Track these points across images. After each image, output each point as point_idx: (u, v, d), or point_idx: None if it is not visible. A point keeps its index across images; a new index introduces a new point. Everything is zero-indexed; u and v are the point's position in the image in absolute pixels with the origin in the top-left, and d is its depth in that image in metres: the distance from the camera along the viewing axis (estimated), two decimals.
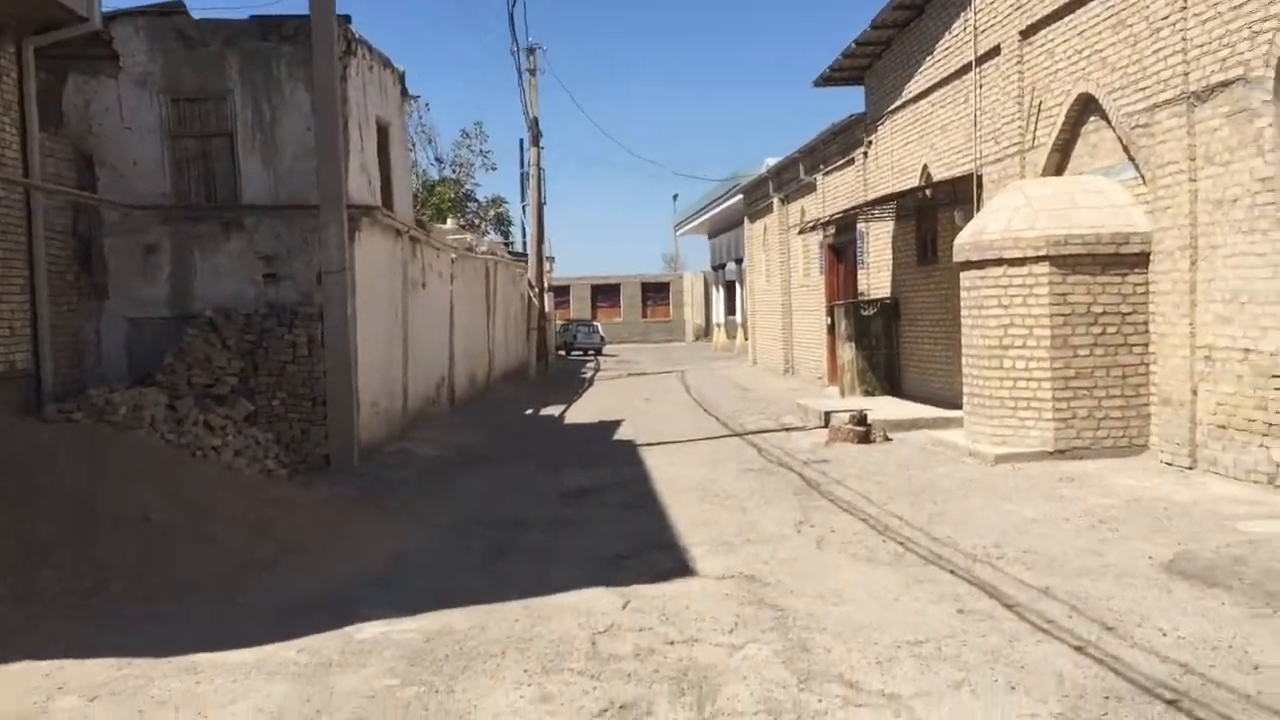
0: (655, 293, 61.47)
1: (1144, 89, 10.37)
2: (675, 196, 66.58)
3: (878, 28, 16.99)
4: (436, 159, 41.94)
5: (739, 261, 37.20)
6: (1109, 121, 11.21)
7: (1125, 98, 10.75)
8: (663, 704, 4.71)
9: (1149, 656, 4.99)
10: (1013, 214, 11.31)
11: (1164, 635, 5.29)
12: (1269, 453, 8.78)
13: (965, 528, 8.01)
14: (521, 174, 35.29)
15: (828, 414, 14.45)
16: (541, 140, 31.09)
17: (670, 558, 7.60)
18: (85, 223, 12.12)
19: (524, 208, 35.82)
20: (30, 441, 8.62)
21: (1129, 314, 10.75)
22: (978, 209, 13.50)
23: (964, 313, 12.05)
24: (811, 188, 23.33)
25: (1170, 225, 10.06)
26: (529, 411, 20.45)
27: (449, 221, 30.22)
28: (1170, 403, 10.13)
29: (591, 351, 45.20)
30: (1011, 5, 13.00)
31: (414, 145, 34.93)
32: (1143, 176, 10.66)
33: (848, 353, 18.08)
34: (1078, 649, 5.15)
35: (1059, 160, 12.34)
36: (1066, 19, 11.85)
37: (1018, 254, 11.03)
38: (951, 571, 6.75)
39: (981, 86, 14.10)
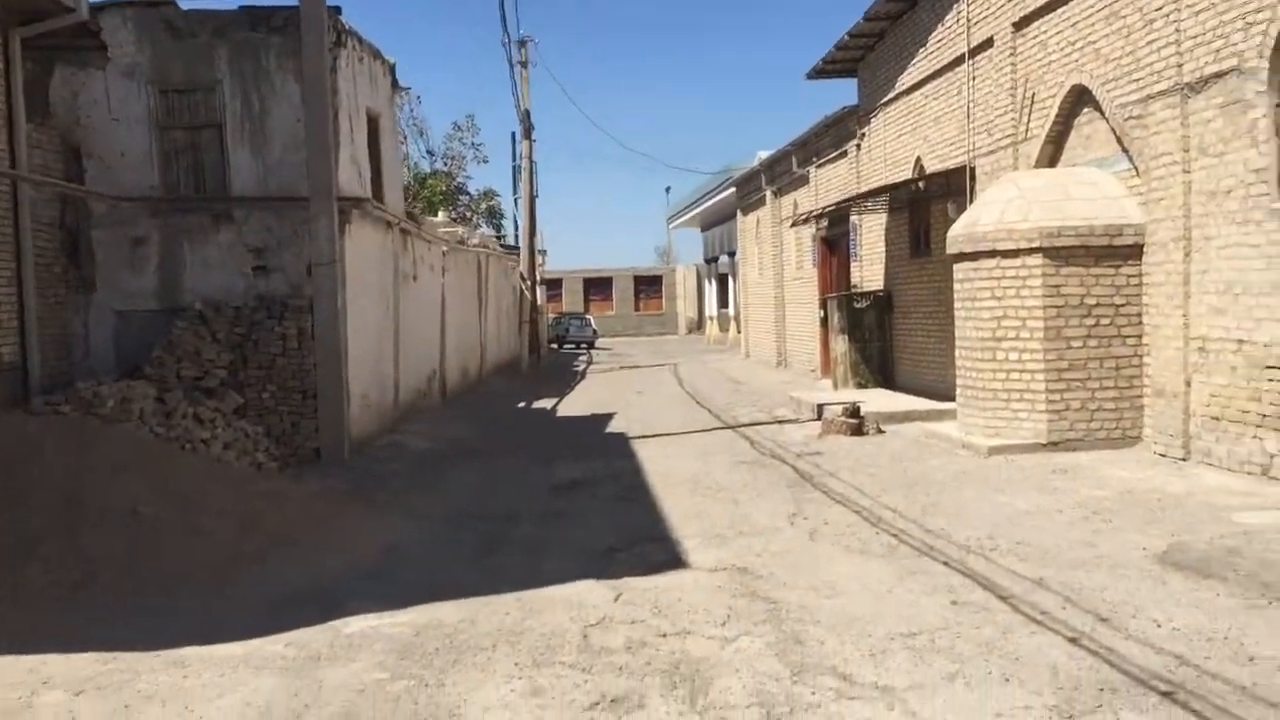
0: (648, 286, 61.38)
1: (1137, 80, 10.34)
2: (668, 189, 66.69)
3: (870, 19, 16.95)
4: (428, 152, 41.87)
5: (732, 254, 37.14)
6: (1102, 113, 11.19)
7: (1119, 89, 10.72)
8: (655, 697, 4.67)
9: (1144, 648, 4.96)
10: (1006, 206, 11.28)
11: (1159, 627, 5.27)
12: (1263, 444, 8.77)
13: (958, 520, 7.99)
14: (513, 167, 35.26)
15: (821, 406, 14.42)
16: (533, 133, 30.98)
17: (662, 550, 7.56)
18: (73, 215, 12.02)
19: (516, 201, 35.76)
20: (17, 434, 8.56)
21: (1122, 306, 10.73)
22: (971, 201, 13.47)
23: (957, 305, 12.02)
24: (804, 180, 23.29)
25: (1164, 217, 10.04)
26: (521, 404, 20.40)
27: (440, 214, 30.11)
28: (1164, 394, 10.11)
29: (584, 345, 45.07)
30: None
31: (405, 138, 34.85)
32: (1136, 168, 10.64)
33: (841, 345, 18.05)
34: (1072, 640, 5.12)
35: (1052, 152, 12.31)
36: (1059, 10, 11.82)
37: (1011, 246, 11.00)
38: (945, 563, 6.72)
39: (974, 78, 14.07)
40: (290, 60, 12.09)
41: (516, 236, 35.95)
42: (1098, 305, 10.75)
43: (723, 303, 44.35)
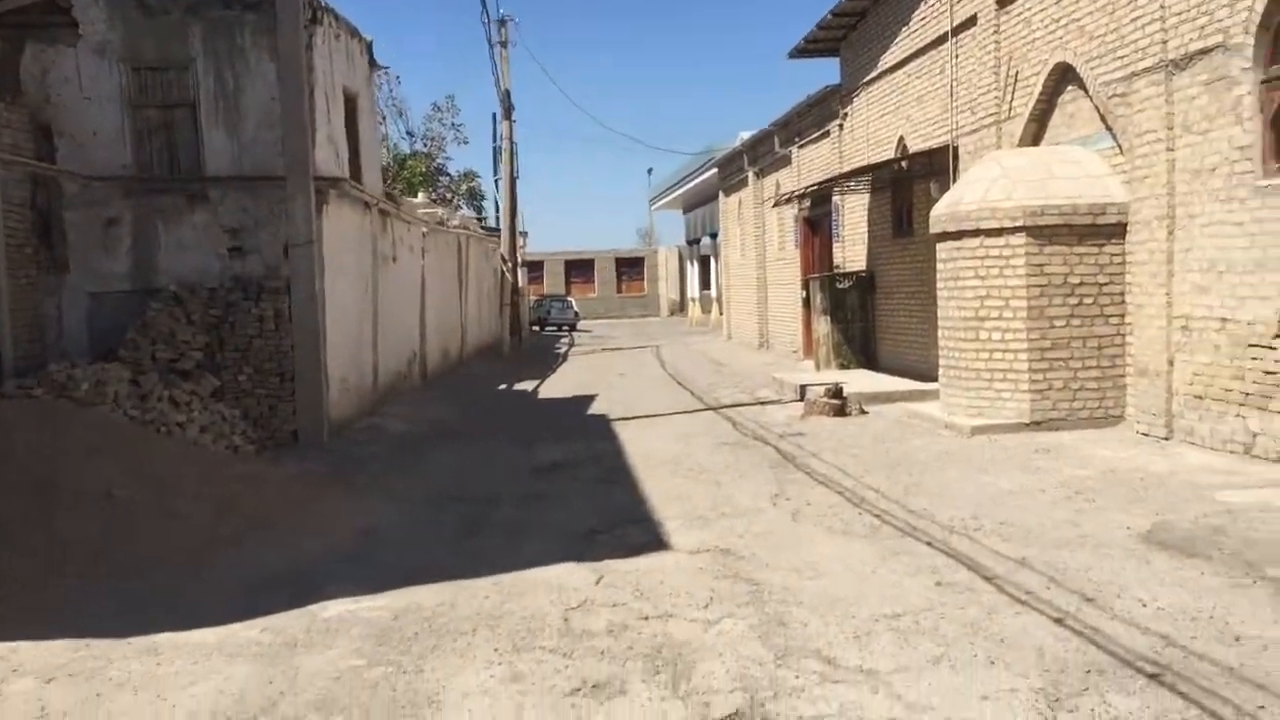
0: (630, 268, 61.17)
1: (1122, 57, 10.27)
2: (650, 170, 66.52)
3: None
4: (408, 133, 41.73)
5: (714, 236, 37.05)
6: (1086, 91, 11.12)
7: (1103, 66, 10.65)
8: (636, 682, 4.60)
9: (1129, 628, 4.92)
10: (989, 185, 11.22)
11: (1144, 606, 5.23)
12: (1245, 422, 8.76)
13: (942, 500, 7.94)
14: (494, 148, 34.89)
15: (803, 387, 14.37)
16: (514, 114, 30.73)
17: (644, 532, 7.49)
18: (44, 195, 11.81)
19: (496, 182, 35.44)
20: None
21: (1106, 284, 10.69)
22: (954, 180, 13.40)
23: (940, 284, 11.96)
24: (786, 161, 23.19)
25: (1148, 195, 10.00)
26: (502, 387, 20.28)
27: (420, 195, 29.89)
28: (1147, 373, 10.09)
29: (566, 327, 44.92)
30: None
31: (384, 118, 34.61)
32: (1120, 146, 10.58)
33: (823, 326, 17.99)
34: (1057, 621, 5.08)
35: (1036, 130, 12.24)
36: None
37: (994, 225, 10.95)
38: (928, 544, 6.67)
39: (958, 57, 13.98)
40: (265, 38, 11.90)
41: (497, 218, 35.70)
42: (1081, 284, 10.71)
43: (705, 284, 44.27)
